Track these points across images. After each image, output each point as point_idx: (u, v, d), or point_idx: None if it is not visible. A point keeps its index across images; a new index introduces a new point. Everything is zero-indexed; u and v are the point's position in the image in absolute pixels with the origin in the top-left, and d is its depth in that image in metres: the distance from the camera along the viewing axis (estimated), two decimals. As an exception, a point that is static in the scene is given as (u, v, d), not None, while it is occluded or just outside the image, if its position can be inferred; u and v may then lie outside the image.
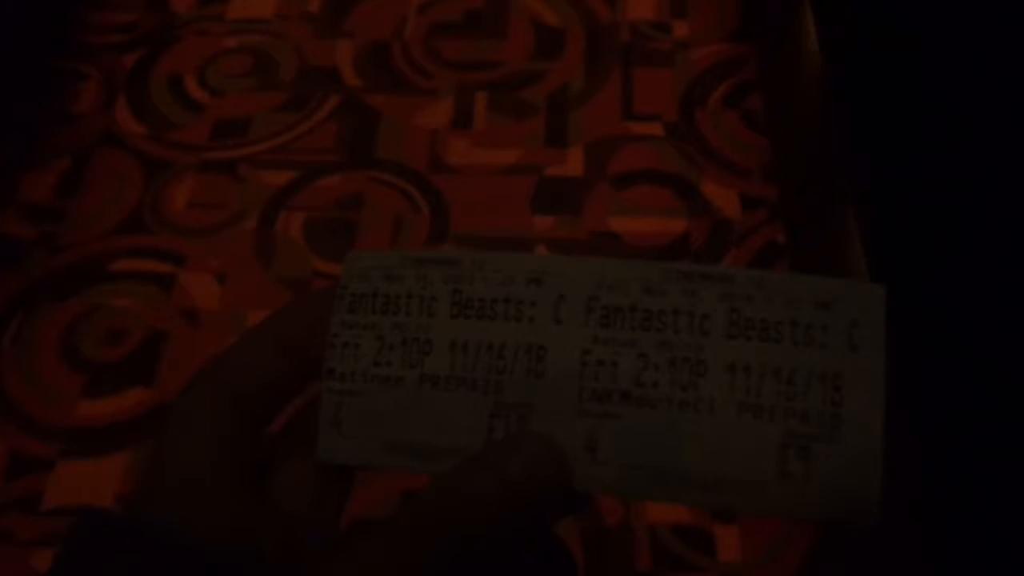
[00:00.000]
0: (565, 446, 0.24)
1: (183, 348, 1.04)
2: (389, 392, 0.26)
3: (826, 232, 0.99)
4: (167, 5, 1.38)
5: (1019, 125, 0.68)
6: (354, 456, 0.27)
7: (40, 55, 1.31)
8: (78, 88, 1.29)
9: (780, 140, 1.16)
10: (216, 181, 1.18)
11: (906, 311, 0.81)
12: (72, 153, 1.22)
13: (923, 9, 0.83)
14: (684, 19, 1.33)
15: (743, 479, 0.23)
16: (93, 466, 0.96)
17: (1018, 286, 0.66)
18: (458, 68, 1.29)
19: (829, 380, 0.23)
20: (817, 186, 1.04)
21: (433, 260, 0.27)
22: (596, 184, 1.16)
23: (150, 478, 0.27)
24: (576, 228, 1.12)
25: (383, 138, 1.22)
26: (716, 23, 1.32)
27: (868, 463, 0.23)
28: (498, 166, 1.18)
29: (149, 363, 1.03)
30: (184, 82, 1.29)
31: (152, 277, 1.09)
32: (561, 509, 0.25)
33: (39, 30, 1.31)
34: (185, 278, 1.09)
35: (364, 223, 1.13)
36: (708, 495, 0.23)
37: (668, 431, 0.24)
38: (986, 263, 0.70)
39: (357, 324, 0.27)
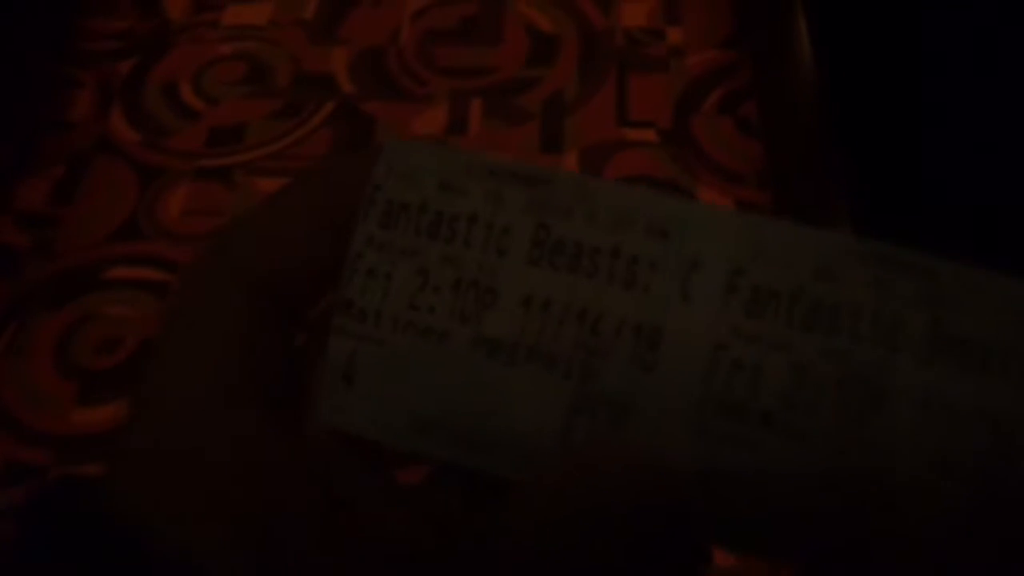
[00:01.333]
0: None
1: (178, 356, 1.03)
2: (427, 348, 0.19)
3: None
4: (161, 12, 1.38)
5: (1014, 129, 0.68)
6: (368, 426, 0.19)
7: (34, 62, 1.31)
8: (73, 95, 1.29)
9: (774, 146, 1.16)
10: (211, 188, 1.18)
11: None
12: (67, 160, 1.22)
13: (917, 15, 0.83)
14: (678, 26, 1.33)
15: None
16: (87, 474, 0.95)
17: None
18: (453, 74, 1.29)
19: None
20: (811, 192, 1.04)
21: (515, 175, 0.20)
22: (591, 190, 1.16)
23: (140, 416, 0.20)
24: (571, 234, 1.12)
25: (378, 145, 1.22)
26: (710, 30, 1.33)
27: None
28: (493, 173, 1.18)
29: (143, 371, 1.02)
30: (179, 89, 1.29)
31: (147, 285, 1.09)
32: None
33: (33, 37, 1.31)
34: (180, 285, 1.09)
35: (359, 230, 1.13)
36: None
37: (819, 479, 0.17)
38: (981, 261, 0.71)
39: (392, 245, 0.19)
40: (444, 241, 0.19)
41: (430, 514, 0.20)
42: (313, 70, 1.30)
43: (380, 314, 0.19)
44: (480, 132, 1.22)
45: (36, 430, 0.99)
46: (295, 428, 0.20)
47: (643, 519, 0.17)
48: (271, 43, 1.34)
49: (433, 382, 0.19)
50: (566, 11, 1.36)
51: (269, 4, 1.38)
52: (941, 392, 0.17)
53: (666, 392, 0.18)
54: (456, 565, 0.19)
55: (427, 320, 0.19)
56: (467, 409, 0.19)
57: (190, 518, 0.18)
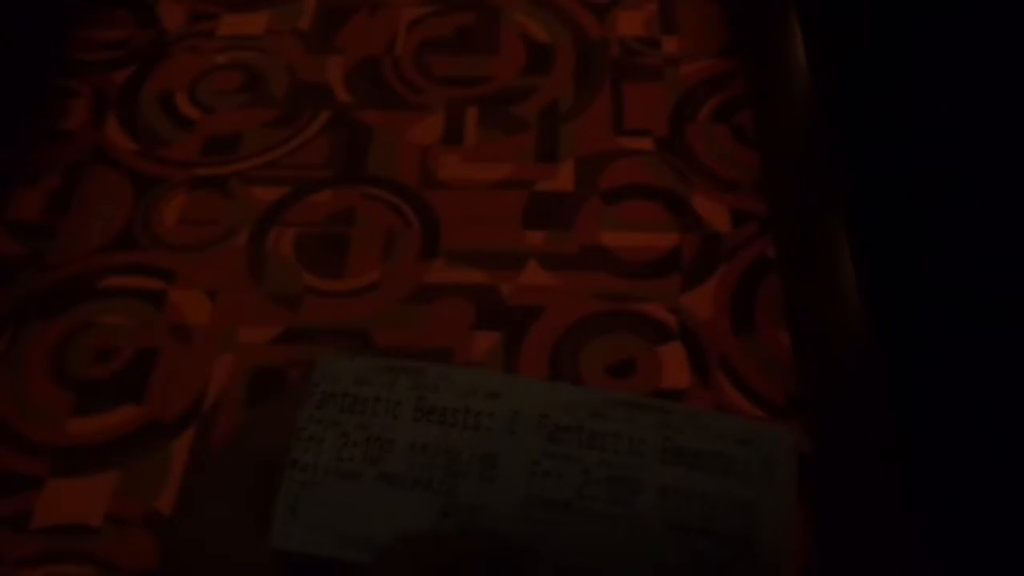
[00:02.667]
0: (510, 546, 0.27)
1: (173, 365, 1.03)
2: (347, 486, 0.28)
3: (816, 246, 0.99)
4: (157, 22, 1.38)
5: (1011, 136, 0.68)
6: (307, 544, 0.28)
7: (30, 72, 1.30)
8: (68, 105, 1.29)
9: (770, 154, 1.17)
10: (207, 197, 1.18)
11: (895, 322, 0.81)
12: (62, 170, 1.21)
13: (911, 23, 0.84)
14: (674, 35, 1.34)
15: None
16: (83, 484, 0.95)
17: (1007, 297, 0.66)
18: (449, 84, 1.29)
19: (745, 508, 0.26)
20: (806, 200, 1.04)
21: (402, 368, 0.29)
22: (587, 199, 1.16)
23: (187, 555, 0.29)
24: (567, 242, 1.12)
25: (374, 154, 1.22)
26: (705, 39, 1.33)
27: None
28: (489, 181, 1.18)
29: (139, 380, 1.02)
30: (175, 99, 1.29)
31: (142, 294, 1.09)
32: None
33: (29, 47, 1.31)
34: (175, 295, 1.09)
35: (355, 238, 1.13)
36: None
37: (602, 540, 0.26)
38: (974, 276, 0.71)
39: (324, 420, 0.29)
40: (359, 414, 0.29)
41: None
42: (309, 79, 1.30)
43: (316, 466, 0.28)
44: (476, 141, 1.23)
45: (32, 440, 0.98)
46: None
47: (474, 568, 0.27)
48: (267, 53, 1.34)
49: (352, 508, 0.28)
50: (562, 20, 1.37)
51: (265, 14, 1.38)
52: (672, 481, 0.27)
53: (503, 495, 0.27)
54: None
55: (347, 466, 0.28)
56: (375, 524, 0.27)
57: None
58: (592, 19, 1.36)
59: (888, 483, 0.77)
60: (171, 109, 1.28)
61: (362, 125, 1.25)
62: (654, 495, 0.27)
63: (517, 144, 1.22)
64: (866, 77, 0.94)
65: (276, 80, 1.30)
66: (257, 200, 1.18)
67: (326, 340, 1.05)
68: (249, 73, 1.31)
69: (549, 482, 0.27)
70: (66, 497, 0.94)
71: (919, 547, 0.71)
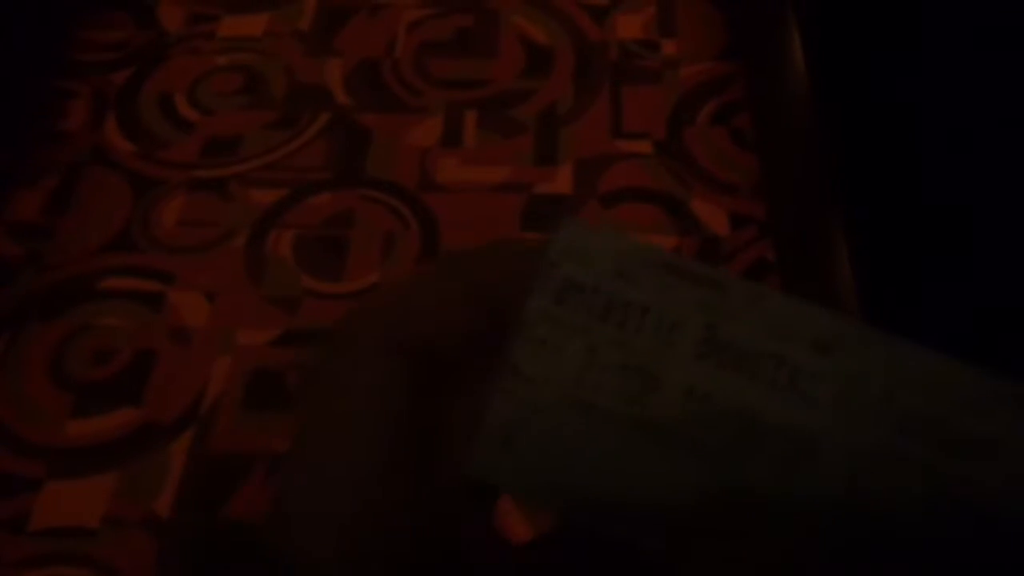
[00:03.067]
0: None
1: (172, 367, 1.03)
2: (588, 423, 0.20)
3: (815, 250, 0.99)
4: (157, 23, 1.38)
5: (1011, 136, 0.68)
6: (519, 485, 0.20)
7: (29, 73, 1.30)
8: (67, 106, 1.29)
9: (768, 157, 1.17)
10: (206, 199, 1.18)
11: (894, 327, 0.81)
12: (61, 171, 1.21)
13: (910, 24, 0.84)
14: (672, 38, 1.34)
15: None
16: (82, 486, 0.95)
17: (1009, 302, 0.66)
18: (448, 86, 1.29)
19: None
20: (805, 203, 1.04)
21: (690, 273, 0.20)
22: (586, 201, 1.16)
23: (310, 457, 0.21)
24: (566, 246, 1.12)
25: (373, 156, 1.22)
26: (704, 42, 1.33)
27: None
28: (488, 183, 1.19)
29: (137, 382, 1.02)
30: (174, 100, 1.29)
31: (141, 296, 1.09)
32: None
33: (27, 48, 1.31)
34: (174, 297, 1.09)
35: (354, 240, 1.13)
36: None
37: None
38: (973, 278, 0.71)
39: (564, 322, 0.20)
40: (616, 325, 0.20)
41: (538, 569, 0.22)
42: (308, 81, 1.30)
43: (548, 382, 0.20)
44: (475, 144, 1.23)
45: (31, 442, 0.98)
46: (429, 472, 0.21)
47: None
48: (267, 54, 1.34)
49: (589, 454, 0.20)
50: (561, 23, 1.37)
51: (265, 16, 1.38)
52: None
53: (813, 496, 0.19)
54: None
55: (592, 396, 0.20)
56: (614, 488, 0.20)
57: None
58: (591, 22, 1.37)
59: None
60: (170, 111, 1.28)
61: (361, 127, 1.25)
62: None
63: (516, 147, 1.22)
64: (864, 80, 0.94)
65: (275, 82, 1.30)
66: (256, 202, 1.18)
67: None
68: (249, 75, 1.31)
69: (878, 491, 0.18)
70: (64, 499, 0.94)
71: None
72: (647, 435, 0.20)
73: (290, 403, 1.00)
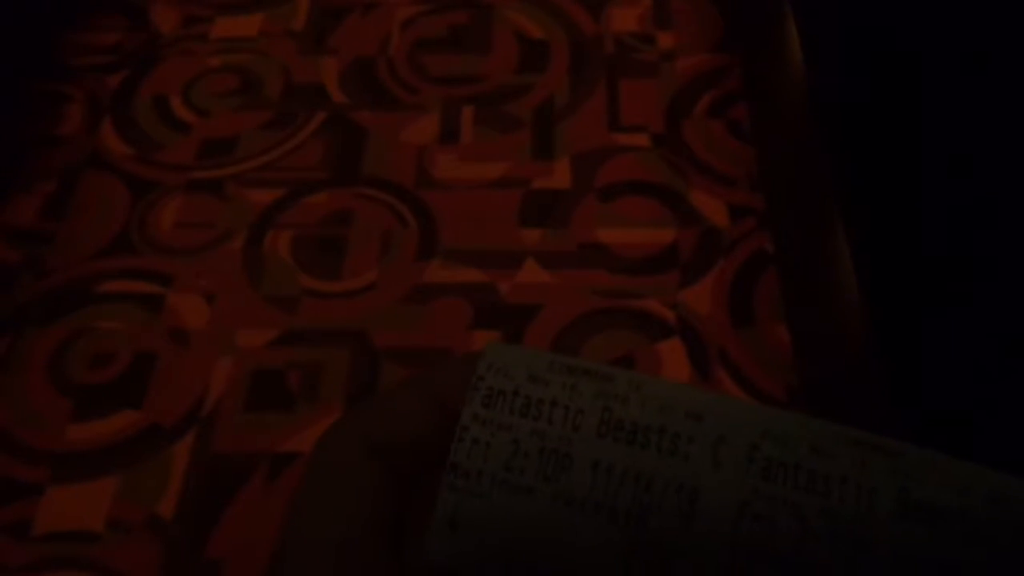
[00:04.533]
0: None
1: (172, 369, 1.03)
2: (517, 501, 0.24)
3: (813, 240, 0.99)
4: (151, 25, 1.38)
5: (1010, 130, 0.68)
6: (465, 562, 0.24)
7: (23, 77, 1.30)
8: (62, 110, 1.28)
9: (766, 149, 1.16)
10: (203, 200, 1.18)
11: (893, 316, 0.81)
12: (57, 176, 1.21)
13: (906, 15, 0.84)
14: (668, 30, 1.33)
15: None
16: (84, 490, 0.95)
17: (1007, 292, 0.66)
18: (443, 83, 1.29)
19: None
20: (803, 194, 1.04)
21: (585, 371, 0.25)
22: (583, 196, 1.16)
23: (293, 538, 0.26)
24: (564, 240, 1.12)
25: (370, 154, 1.22)
26: (700, 34, 1.33)
27: None
28: (485, 180, 1.18)
29: (138, 385, 1.02)
30: (169, 102, 1.29)
31: (140, 298, 1.09)
32: None
33: (21, 52, 1.30)
34: (173, 299, 1.09)
35: (352, 239, 1.13)
36: None
37: None
38: (974, 269, 0.71)
39: (491, 421, 0.25)
40: (532, 419, 0.24)
41: None
42: (303, 81, 1.30)
43: (481, 473, 0.24)
44: (471, 140, 1.22)
45: (32, 447, 0.98)
46: (398, 556, 0.26)
47: None
48: (261, 54, 1.33)
49: (520, 528, 0.24)
50: (556, 17, 1.36)
51: (258, 16, 1.38)
52: (910, 542, 0.22)
53: (704, 540, 0.23)
54: None
55: (518, 479, 0.24)
56: (546, 550, 0.24)
57: None
58: (586, 16, 1.36)
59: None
60: (166, 113, 1.28)
61: (357, 126, 1.25)
62: (889, 559, 0.22)
63: (513, 142, 1.22)
64: (861, 69, 0.93)
65: (271, 82, 1.30)
66: (253, 202, 1.17)
67: (325, 342, 1.05)
68: (243, 75, 1.31)
69: (760, 528, 0.22)
70: (67, 503, 0.94)
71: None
72: (568, 506, 0.24)
73: (291, 403, 1.00)
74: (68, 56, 1.35)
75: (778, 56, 1.14)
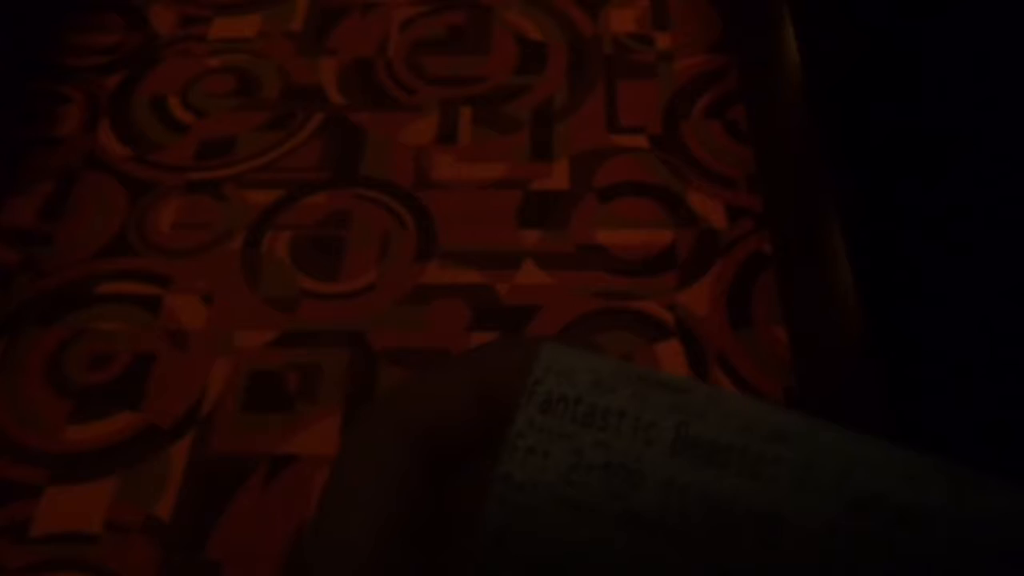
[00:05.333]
0: None
1: (170, 370, 1.03)
2: (576, 520, 0.22)
3: (811, 240, 0.99)
4: (149, 26, 1.38)
5: (1010, 130, 0.68)
6: None
7: (20, 78, 1.30)
8: (60, 111, 1.28)
9: (764, 150, 1.17)
10: (201, 201, 1.18)
11: (891, 317, 0.81)
12: (55, 177, 1.21)
13: (904, 18, 0.84)
14: (666, 31, 1.33)
15: None
16: (82, 491, 0.95)
17: (1006, 292, 0.66)
18: (442, 84, 1.29)
19: None
20: (801, 195, 1.04)
21: (658, 381, 0.23)
22: (582, 197, 1.16)
23: (326, 525, 0.24)
24: (563, 241, 1.12)
25: (368, 155, 1.22)
26: (698, 35, 1.33)
27: None
28: (484, 180, 1.18)
29: (136, 386, 1.02)
30: (167, 103, 1.29)
31: (138, 299, 1.09)
32: None
33: (18, 53, 1.30)
34: (171, 300, 1.09)
35: (351, 240, 1.13)
36: None
37: None
38: (972, 269, 0.71)
39: (549, 429, 0.22)
40: (597, 429, 0.22)
41: None
42: (302, 82, 1.30)
43: (537, 486, 0.22)
44: (470, 141, 1.22)
45: (29, 448, 0.98)
46: (440, 553, 0.24)
47: None
48: (259, 55, 1.33)
49: (577, 551, 0.22)
50: (554, 18, 1.36)
51: (257, 16, 1.38)
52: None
53: (786, 570, 0.21)
54: None
55: (579, 494, 0.22)
56: (603, 575, 0.21)
57: None
58: (584, 17, 1.36)
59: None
60: (164, 113, 1.27)
61: (356, 127, 1.25)
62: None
63: (511, 143, 1.22)
64: (858, 70, 0.93)
65: (269, 83, 1.30)
66: (252, 204, 1.17)
67: (323, 343, 1.05)
68: (241, 76, 1.31)
69: (846, 561, 0.20)
70: (65, 505, 0.94)
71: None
72: (633, 527, 0.21)
73: (289, 404, 1.00)
74: (66, 57, 1.34)
75: (776, 57, 1.14)
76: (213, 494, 0.94)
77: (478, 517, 0.23)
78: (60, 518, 0.93)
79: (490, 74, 1.30)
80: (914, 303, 0.78)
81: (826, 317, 0.93)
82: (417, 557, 0.23)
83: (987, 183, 0.70)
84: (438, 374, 0.26)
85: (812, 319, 0.97)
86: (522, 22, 1.36)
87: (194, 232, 1.15)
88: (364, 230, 1.14)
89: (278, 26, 1.37)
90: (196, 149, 1.23)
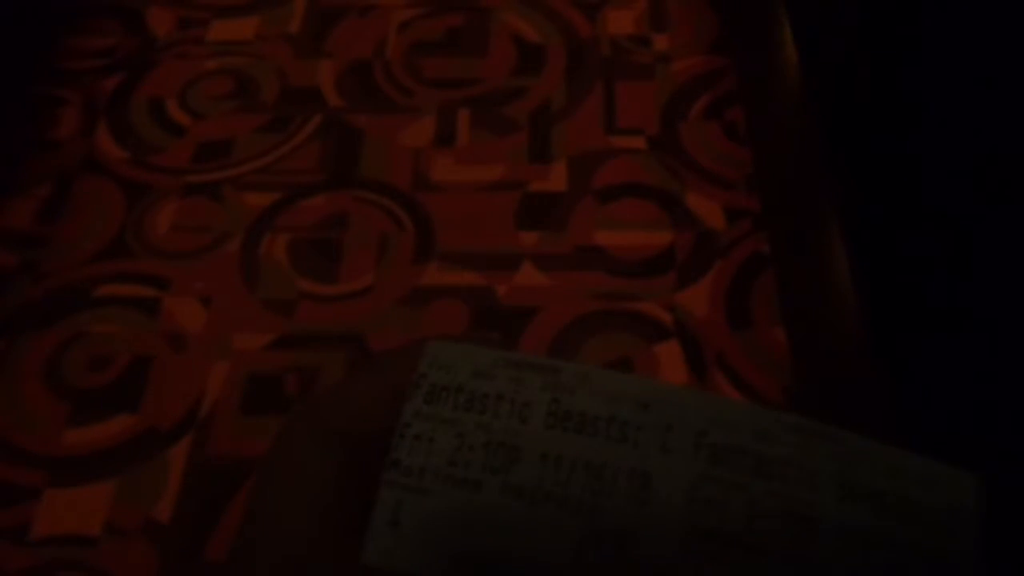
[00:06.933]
0: None
1: (168, 373, 1.03)
2: (464, 496, 0.24)
3: (810, 241, 0.99)
4: (146, 29, 1.38)
5: (997, 130, 0.68)
6: (409, 562, 0.24)
7: (18, 81, 1.30)
8: (58, 113, 1.28)
9: (762, 151, 1.17)
10: (199, 204, 1.18)
11: (890, 316, 0.81)
12: (53, 179, 1.21)
13: (903, 15, 0.84)
14: (664, 32, 1.34)
15: None
16: (81, 494, 0.95)
17: (1005, 292, 0.66)
18: (440, 86, 1.29)
19: (937, 561, 0.23)
20: (800, 196, 1.04)
21: (531, 365, 0.25)
22: (580, 198, 1.16)
23: (254, 530, 0.25)
24: (561, 242, 1.12)
25: (366, 157, 1.22)
26: (696, 36, 1.33)
27: None
28: (482, 182, 1.18)
29: (134, 389, 1.02)
30: (165, 105, 1.29)
31: (136, 302, 1.09)
32: None
33: (16, 56, 1.30)
34: (169, 302, 1.09)
35: (349, 242, 1.13)
36: None
37: None
38: (971, 270, 0.71)
39: (434, 417, 0.24)
40: (477, 412, 0.24)
41: None
42: (300, 84, 1.30)
43: (424, 470, 0.24)
44: (468, 143, 1.22)
45: (29, 451, 0.98)
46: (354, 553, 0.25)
47: None
48: (257, 58, 1.33)
49: (467, 523, 0.24)
50: (552, 20, 1.36)
51: (254, 19, 1.38)
52: (854, 522, 0.23)
53: (657, 523, 0.23)
54: None
55: (464, 473, 0.24)
56: (496, 545, 0.23)
57: None
58: (582, 18, 1.36)
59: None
60: (162, 116, 1.27)
61: (354, 129, 1.25)
62: (835, 538, 0.22)
63: (509, 145, 1.22)
64: (856, 71, 0.94)
65: (267, 85, 1.30)
66: (250, 206, 1.17)
67: (322, 345, 1.05)
68: (239, 78, 1.31)
69: (712, 511, 0.23)
70: (64, 507, 0.94)
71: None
72: (518, 498, 0.24)
73: (288, 407, 1.00)
74: (64, 60, 1.34)
75: (774, 58, 1.14)
76: (212, 496, 0.94)
77: (373, 504, 0.25)
78: (59, 520, 0.93)
79: (488, 76, 1.30)
80: (913, 303, 0.78)
81: (825, 318, 0.93)
82: (343, 555, 0.24)
83: (987, 182, 0.70)
84: (355, 380, 0.27)
85: (811, 320, 0.97)
86: (520, 24, 1.36)
87: (192, 234, 1.15)
88: (362, 232, 1.14)
89: (276, 28, 1.37)
90: (194, 151, 1.23)
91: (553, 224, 1.14)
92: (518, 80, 1.29)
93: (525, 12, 1.38)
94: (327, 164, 1.21)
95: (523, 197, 1.17)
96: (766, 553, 0.23)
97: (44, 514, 0.94)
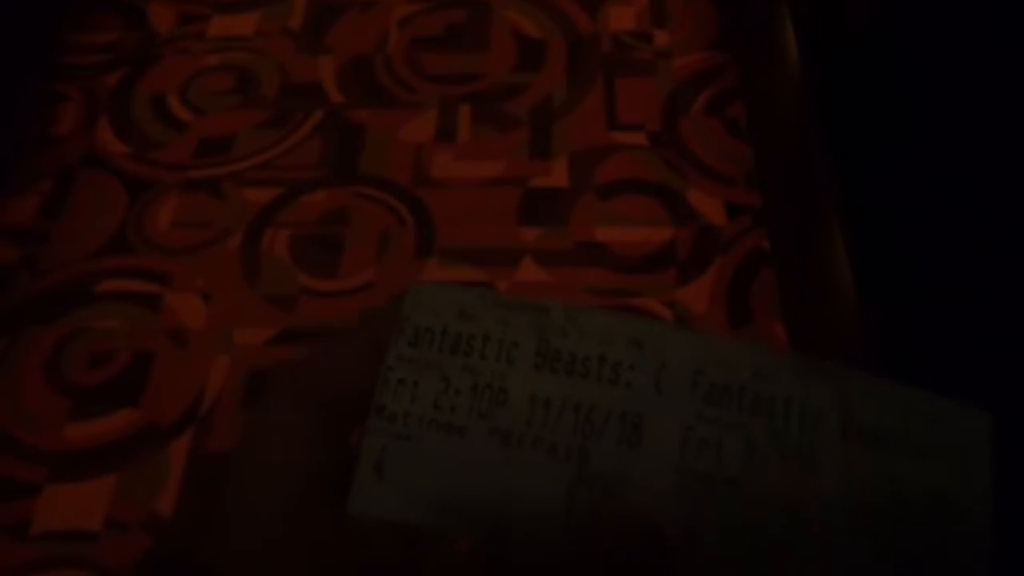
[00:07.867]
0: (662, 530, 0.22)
1: (170, 368, 1.03)
2: (449, 441, 0.23)
3: (810, 238, 0.99)
4: (147, 24, 1.38)
5: (996, 128, 0.68)
6: (395, 510, 0.23)
7: (19, 76, 1.30)
8: (59, 109, 1.28)
9: (763, 147, 1.17)
10: (200, 199, 1.18)
11: (890, 314, 0.81)
12: (54, 175, 1.21)
13: (904, 14, 0.84)
14: (665, 28, 1.33)
15: None
16: (82, 489, 0.95)
17: (1005, 289, 0.66)
18: (441, 81, 1.29)
19: (939, 498, 0.22)
20: (801, 192, 1.04)
21: (519, 305, 0.24)
22: (581, 194, 1.16)
23: (237, 496, 0.25)
24: (562, 238, 1.12)
25: (367, 153, 1.22)
26: (697, 32, 1.33)
27: None
28: (483, 178, 1.18)
29: (135, 384, 1.02)
30: (166, 101, 1.29)
31: (137, 298, 1.09)
32: None
33: (17, 51, 1.30)
34: (171, 298, 1.09)
35: (350, 238, 1.13)
36: None
37: (773, 525, 0.22)
38: (971, 266, 0.71)
39: (418, 360, 0.24)
40: (463, 355, 0.23)
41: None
42: (300, 79, 1.30)
43: (408, 415, 0.23)
44: (469, 139, 1.22)
45: (29, 446, 0.98)
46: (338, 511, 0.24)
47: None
48: (258, 53, 1.33)
49: (453, 469, 0.23)
50: (553, 16, 1.36)
51: (255, 14, 1.38)
52: (855, 463, 0.22)
53: (650, 464, 0.22)
54: None
55: (449, 417, 0.23)
56: (483, 491, 0.23)
57: None
58: (583, 14, 1.36)
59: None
60: (163, 111, 1.27)
61: (355, 124, 1.25)
62: (834, 477, 0.22)
63: (510, 141, 1.22)
64: (858, 68, 0.93)
65: (268, 81, 1.30)
66: (251, 201, 1.17)
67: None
68: (240, 74, 1.31)
69: (707, 452, 0.22)
70: (65, 503, 0.94)
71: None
72: (504, 443, 0.23)
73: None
74: (64, 55, 1.34)
75: (775, 54, 1.14)
76: (213, 492, 0.94)
77: (357, 454, 0.24)
78: (60, 516, 0.93)
79: (489, 72, 1.30)
80: (913, 299, 0.78)
81: (825, 314, 0.93)
82: (329, 514, 0.24)
83: (988, 182, 0.70)
84: (333, 343, 0.26)
85: (811, 316, 0.97)
86: (521, 20, 1.36)
87: (193, 230, 1.15)
88: (363, 228, 1.14)
89: (277, 24, 1.37)
90: (195, 147, 1.23)
91: (554, 220, 1.14)
92: (519, 76, 1.29)
93: (526, 8, 1.37)
94: (328, 160, 1.21)
95: (524, 193, 1.17)
96: (763, 495, 0.22)
97: (45, 509, 0.94)
